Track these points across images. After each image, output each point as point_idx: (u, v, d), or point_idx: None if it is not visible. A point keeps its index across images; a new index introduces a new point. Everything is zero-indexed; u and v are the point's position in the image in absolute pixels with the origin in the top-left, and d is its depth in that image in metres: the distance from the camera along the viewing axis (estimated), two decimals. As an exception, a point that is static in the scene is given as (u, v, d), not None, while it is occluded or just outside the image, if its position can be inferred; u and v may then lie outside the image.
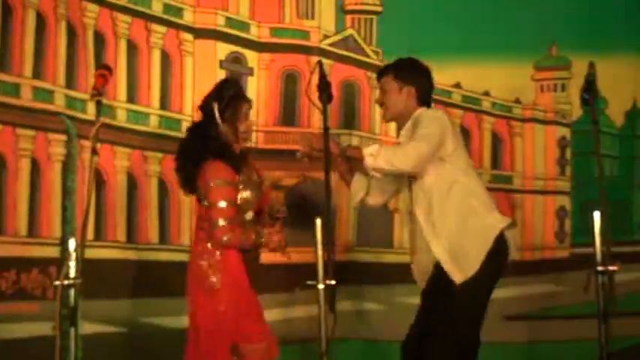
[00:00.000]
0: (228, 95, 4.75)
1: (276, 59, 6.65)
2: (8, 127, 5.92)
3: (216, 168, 4.59)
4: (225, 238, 4.56)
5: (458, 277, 4.59)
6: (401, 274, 6.30)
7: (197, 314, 4.76)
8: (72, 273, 4.12)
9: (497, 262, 4.65)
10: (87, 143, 5.78)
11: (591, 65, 4.63)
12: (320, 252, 4.52)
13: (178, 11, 6.48)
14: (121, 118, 6.29)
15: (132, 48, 6.36)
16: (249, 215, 4.73)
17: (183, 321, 6.21)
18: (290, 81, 6.66)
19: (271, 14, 6.69)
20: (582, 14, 6.65)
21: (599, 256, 4.43)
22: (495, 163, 7.05)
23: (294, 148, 6.46)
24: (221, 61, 6.53)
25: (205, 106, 4.72)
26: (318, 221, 4.56)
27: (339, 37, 6.76)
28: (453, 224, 4.61)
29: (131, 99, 6.34)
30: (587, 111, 4.73)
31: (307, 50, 6.66)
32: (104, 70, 4.35)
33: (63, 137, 6.06)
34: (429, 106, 4.78)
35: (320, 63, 4.69)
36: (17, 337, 5.74)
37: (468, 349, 4.70)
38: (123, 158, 6.33)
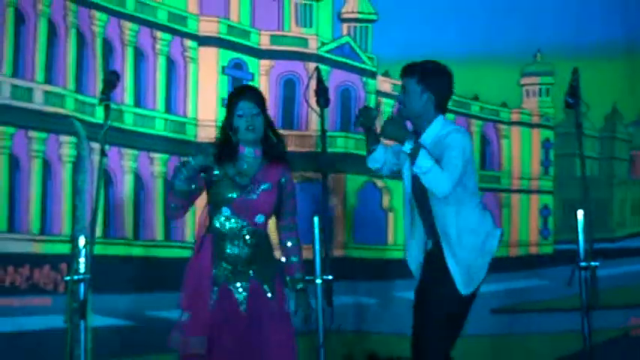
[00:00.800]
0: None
1: (275, 65, 6.63)
2: (21, 130, 5.91)
3: None
4: None
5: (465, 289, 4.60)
6: (394, 269, 6.34)
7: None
8: (82, 269, 4.13)
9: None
10: (96, 145, 5.80)
11: (575, 71, 4.65)
12: (318, 249, 4.53)
13: (183, 20, 6.46)
14: (128, 122, 6.28)
15: (138, 55, 6.35)
16: (225, 212, 4.66)
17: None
18: (289, 86, 6.65)
19: (271, 22, 6.67)
20: (565, 24, 6.66)
21: (582, 253, 4.45)
22: (484, 163, 7.05)
23: (293, 150, 6.53)
24: (223, 67, 6.51)
25: None
26: (316, 219, 4.57)
27: (335, 44, 6.75)
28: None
29: (138, 103, 6.32)
30: (570, 114, 4.73)
31: (305, 57, 6.64)
32: (112, 75, 4.35)
33: (73, 139, 6.04)
34: (444, 111, 4.77)
35: (317, 69, 4.71)
36: (31, 329, 5.72)
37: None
38: (130, 159, 6.32)
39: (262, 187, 4.60)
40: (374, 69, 6.80)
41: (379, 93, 6.78)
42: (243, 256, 4.56)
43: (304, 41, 6.67)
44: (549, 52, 6.87)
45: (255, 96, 4.65)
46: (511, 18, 6.66)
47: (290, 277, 4.61)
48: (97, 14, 6.17)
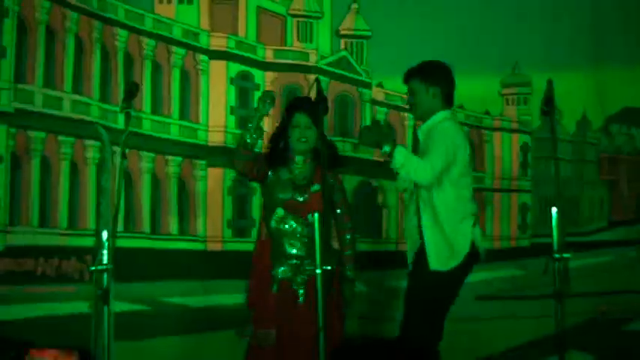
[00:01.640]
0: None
1: (279, 77, 6.65)
2: (52, 135, 5.95)
3: None
4: None
5: (435, 264, 4.61)
6: (389, 261, 6.33)
7: None
8: (105, 260, 4.12)
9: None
10: (117, 149, 5.82)
11: (550, 82, 4.64)
12: (318, 242, 4.53)
13: (195, 36, 6.48)
14: (146, 127, 6.31)
15: (155, 67, 6.37)
16: (280, 213, 4.67)
17: (199, 300, 6.28)
18: (291, 95, 6.63)
19: (275, 38, 6.68)
20: (540, 40, 6.66)
21: (556, 245, 4.45)
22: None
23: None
24: (231, 79, 6.53)
25: None
26: (316, 215, 4.57)
27: (333, 58, 6.75)
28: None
29: (155, 111, 6.35)
30: (546, 121, 4.73)
31: (306, 69, 6.65)
32: (132, 86, 4.36)
33: (97, 143, 6.10)
34: (452, 103, 4.77)
35: (317, 80, 4.69)
36: (59, 314, 5.77)
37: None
38: (148, 161, 6.34)
39: (313, 188, 4.62)
40: (368, 80, 6.80)
41: (374, 102, 6.79)
42: (301, 253, 4.58)
43: (305, 55, 6.68)
44: (527, 66, 6.87)
45: (311, 110, 4.65)
46: (492, 35, 6.65)
47: (342, 268, 4.65)
48: (119, 31, 6.21)
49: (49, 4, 5.90)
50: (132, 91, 4.28)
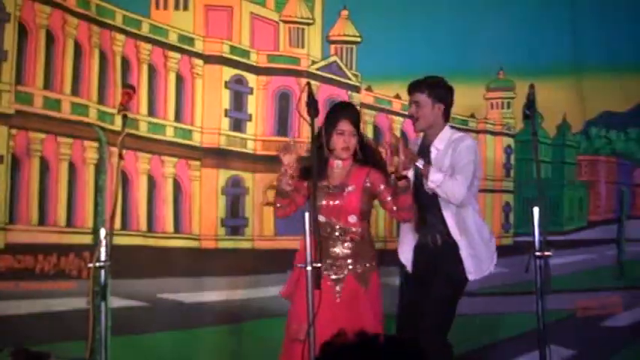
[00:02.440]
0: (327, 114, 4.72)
1: (271, 81, 6.64)
2: (51, 136, 5.95)
3: None
4: None
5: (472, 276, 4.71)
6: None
7: None
8: (102, 257, 4.14)
9: None
10: (115, 149, 5.82)
11: (531, 87, 4.66)
12: (308, 239, 4.54)
13: (190, 41, 6.48)
14: (143, 129, 6.30)
15: (152, 71, 6.37)
16: (321, 219, 4.62)
17: (194, 296, 6.29)
18: (283, 99, 6.66)
19: (268, 43, 6.68)
20: (523, 46, 6.68)
21: (537, 244, 4.46)
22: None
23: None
24: (226, 82, 6.52)
25: None
26: (307, 215, 4.58)
27: (324, 62, 6.75)
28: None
29: (151, 113, 6.35)
30: (528, 124, 4.74)
31: (298, 73, 6.65)
32: (129, 89, 4.35)
33: (95, 144, 6.09)
34: (449, 119, 4.80)
35: (308, 84, 4.70)
36: (58, 309, 5.77)
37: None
38: (144, 162, 6.34)
39: (347, 189, 4.60)
40: (358, 84, 6.80)
41: (363, 105, 6.79)
42: (341, 254, 4.57)
43: (297, 60, 6.68)
44: (510, 71, 6.88)
45: (355, 116, 4.65)
46: (477, 41, 6.67)
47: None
48: (117, 36, 6.21)
49: (50, 9, 5.90)
50: (129, 93, 4.29)
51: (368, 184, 4.63)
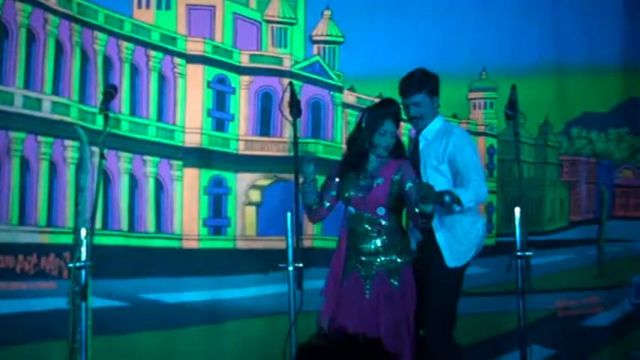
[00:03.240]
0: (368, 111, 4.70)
1: (254, 81, 6.62)
2: (31, 135, 5.90)
3: None
4: None
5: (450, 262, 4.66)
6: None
7: None
8: (83, 257, 4.12)
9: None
10: (96, 149, 5.79)
11: (513, 87, 4.67)
12: (290, 239, 4.54)
13: (173, 40, 6.45)
14: (125, 128, 6.26)
15: (134, 70, 6.33)
16: (351, 210, 4.62)
17: (175, 296, 6.27)
18: (266, 98, 6.64)
19: (251, 43, 6.66)
20: (506, 47, 6.70)
21: (518, 244, 4.47)
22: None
23: (269, 154, 6.54)
24: (208, 82, 6.50)
25: None
26: (289, 215, 4.58)
27: (307, 62, 6.74)
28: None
29: (133, 112, 6.30)
30: (510, 124, 4.74)
31: (280, 73, 6.63)
32: (110, 88, 4.33)
33: (76, 144, 6.03)
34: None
35: (291, 84, 4.71)
36: (38, 309, 5.72)
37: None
38: (126, 161, 6.30)
39: (376, 182, 4.58)
40: (341, 84, 6.80)
41: (345, 105, 6.79)
42: (371, 248, 4.55)
43: (279, 60, 6.67)
44: (493, 71, 6.89)
45: (398, 115, 4.63)
46: (460, 41, 6.69)
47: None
48: (99, 35, 6.16)
49: (31, 8, 5.86)
50: (110, 93, 4.26)
51: (397, 177, 4.61)
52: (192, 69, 6.47)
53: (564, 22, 6.77)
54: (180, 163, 6.42)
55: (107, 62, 6.21)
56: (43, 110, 5.92)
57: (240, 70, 6.60)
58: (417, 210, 4.38)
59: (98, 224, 5.89)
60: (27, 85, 5.84)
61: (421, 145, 4.79)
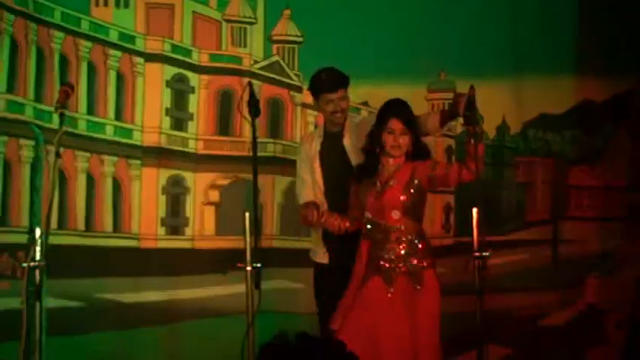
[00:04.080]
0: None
1: (213, 80, 6.58)
2: (-14, 135, 5.82)
3: None
4: None
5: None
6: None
7: None
8: (37, 256, 4.05)
9: None
10: (52, 148, 5.70)
11: (471, 88, 4.66)
12: (248, 239, 4.50)
13: (131, 39, 6.39)
14: (82, 127, 6.19)
15: (91, 69, 6.25)
16: (367, 216, 4.57)
17: (133, 296, 6.21)
18: (225, 98, 6.60)
19: (210, 42, 6.62)
20: (464, 47, 6.72)
21: (475, 244, 4.47)
22: (396, 167, 7.03)
23: (228, 154, 6.50)
24: (167, 81, 6.45)
25: None
26: (247, 215, 4.55)
27: (266, 62, 6.72)
28: None
29: (90, 111, 6.23)
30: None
31: (240, 73, 6.59)
32: (67, 86, 4.26)
33: (31, 143, 5.94)
34: None
35: (250, 83, 4.67)
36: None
37: None
38: (82, 161, 6.23)
39: (389, 184, 4.52)
40: (300, 84, 6.78)
41: (304, 105, 6.77)
42: (389, 252, 4.49)
43: (239, 59, 6.63)
44: (451, 72, 6.90)
45: (407, 114, 4.54)
46: (419, 42, 6.69)
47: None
48: (56, 33, 6.08)
49: (-16, 6, 5.78)
50: (67, 91, 4.20)
51: (415, 181, 4.54)
52: (151, 68, 6.41)
53: (522, 23, 6.81)
54: (138, 162, 6.36)
55: (64, 61, 6.13)
56: (-1, 109, 5.84)
57: (200, 70, 6.55)
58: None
59: (54, 224, 5.79)
60: (-20, 84, 5.75)
61: (346, 142, 4.87)
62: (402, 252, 4.51)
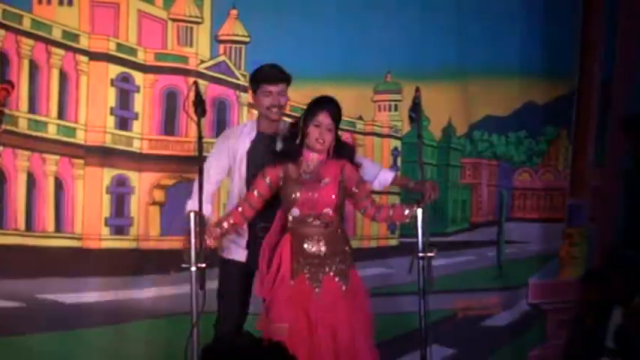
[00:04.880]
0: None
1: (159, 79, 6.50)
2: None
3: None
4: None
5: None
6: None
7: None
8: (-25, 256, 3.99)
9: None
10: (-9, 147, 5.62)
11: (417, 89, 4.71)
12: (193, 240, 4.48)
13: (75, 37, 6.28)
14: (23, 126, 6.07)
15: (34, 67, 6.13)
16: (295, 212, 4.55)
17: (75, 297, 6.14)
18: (171, 98, 6.53)
19: (156, 41, 6.54)
20: (411, 49, 6.76)
21: (420, 245, 4.51)
22: (341, 169, 7.04)
23: (174, 154, 6.46)
24: (112, 80, 6.36)
25: None
26: (192, 215, 4.53)
27: (213, 62, 6.67)
28: None
29: (32, 109, 6.11)
30: (414, 127, 4.79)
31: (186, 72, 6.52)
32: (7, 84, 4.21)
33: (-31, 141, 5.85)
34: None
35: (196, 83, 4.66)
36: None
37: None
38: (23, 160, 6.10)
39: (323, 181, 4.50)
40: (246, 84, 6.71)
41: (250, 105, 6.74)
42: (317, 251, 4.46)
43: (185, 59, 6.57)
44: (398, 73, 6.93)
45: (335, 112, 4.57)
46: (365, 43, 6.72)
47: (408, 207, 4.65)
48: (-4, 31, 6.00)
49: None
50: (6, 89, 4.14)
51: (342, 179, 4.57)
52: (96, 66, 6.30)
53: (467, 25, 6.87)
54: (81, 161, 6.28)
55: (4, 58, 5.99)
56: None
57: (145, 69, 6.47)
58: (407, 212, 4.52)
59: (-7, 223, 5.71)
60: None
61: (278, 145, 4.87)
62: (329, 250, 4.52)
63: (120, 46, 6.41)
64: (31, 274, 5.94)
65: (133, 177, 6.42)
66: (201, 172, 4.56)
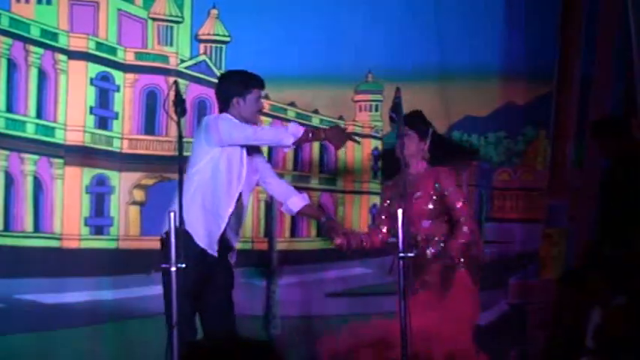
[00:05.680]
0: None
1: (139, 79, 6.49)
2: None
3: None
4: None
5: None
6: (243, 258, 6.31)
7: None
8: (-46, 257, 3.96)
9: None
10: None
11: (397, 90, 4.71)
12: (173, 240, 4.47)
13: (54, 35, 6.26)
14: (1, 125, 6.04)
15: (12, 66, 6.10)
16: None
17: (54, 297, 6.11)
18: (151, 97, 6.52)
19: (136, 40, 6.53)
20: (391, 50, 6.78)
21: (401, 245, 4.51)
22: (322, 167, 7.06)
23: (154, 153, 6.44)
24: (91, 79, 6.34)
25: None
26: (172, 215, 4.51)
27: (193, 61, 6.66)
28: None
29: (10, 108, 6.09)
30: (394, 127, 4.80)
31: (166, 72, 6.52)
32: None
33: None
34: None
35: (176, 83, 4.65)
36: None
37: None
38: (1, 159, 6.08)
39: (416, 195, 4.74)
40: (226, 84, 6.74)
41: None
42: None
43: (165, 58, 6.56)
44: (378, 74, 6.94)
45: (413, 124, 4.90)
46: (347, 43, 6.74)
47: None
48: (-27, 29, 5.95)
49: None
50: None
51: (437, 185, 4.80)
52: (75, 65, 6.29)
53: (447, 27, 6.89)
54: (61, 161, 6.25)
55: (-19, 57, 6.00)
56: None
57: (125, 68, 6.46)
58: None
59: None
60: None
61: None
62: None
63: (99, 45, 6.39)
64: (10, 274, 5.92)
65: (113, 176, 6.40)
66: (181, 172, 4.55)
